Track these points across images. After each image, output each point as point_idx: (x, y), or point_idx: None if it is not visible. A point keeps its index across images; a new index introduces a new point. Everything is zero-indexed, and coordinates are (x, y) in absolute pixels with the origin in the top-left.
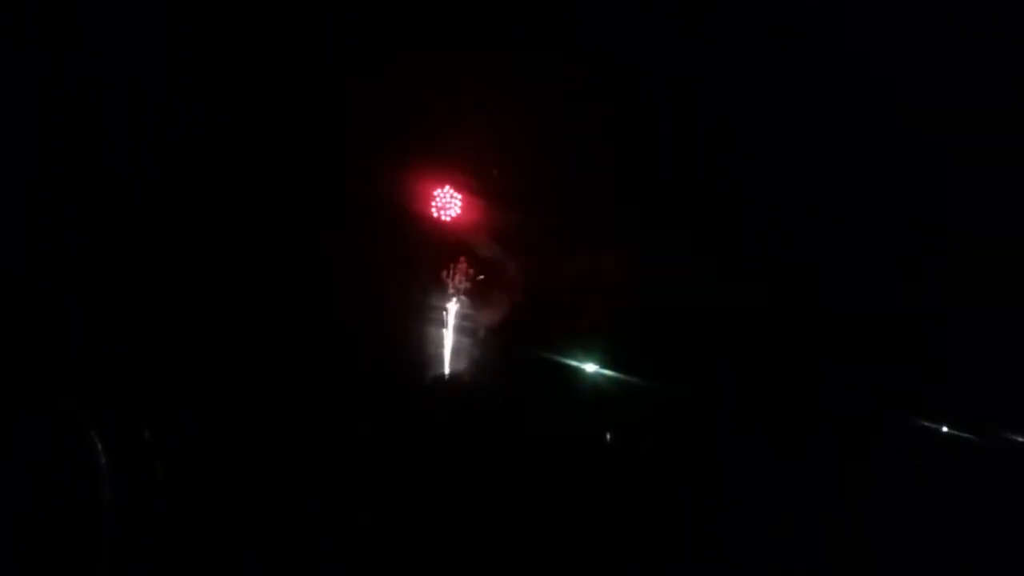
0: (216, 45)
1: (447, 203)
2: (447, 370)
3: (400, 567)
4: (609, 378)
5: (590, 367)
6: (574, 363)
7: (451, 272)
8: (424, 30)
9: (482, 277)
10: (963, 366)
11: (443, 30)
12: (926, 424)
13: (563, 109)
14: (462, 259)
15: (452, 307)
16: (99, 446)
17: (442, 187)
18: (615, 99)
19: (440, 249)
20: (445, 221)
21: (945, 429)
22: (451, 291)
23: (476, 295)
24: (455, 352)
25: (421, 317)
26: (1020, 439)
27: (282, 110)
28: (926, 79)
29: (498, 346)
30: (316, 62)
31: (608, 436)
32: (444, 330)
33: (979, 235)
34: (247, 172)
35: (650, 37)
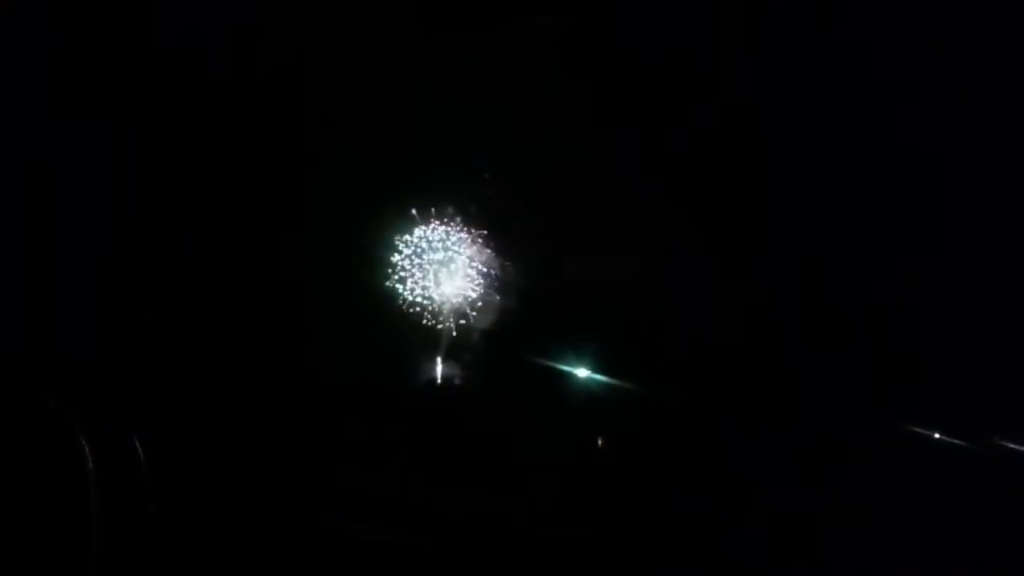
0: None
1: (442, 207)
2: (439, 374)
3: (391, 569)
4: (601, 383)
5: (582, 372)
6: (566, 368)
7: (445, 276)
8: (417, 26)
9: (476, 281)
10: (955, 372)
11: (439, 26)
12: (918, 430)
13: (561, 110)
14: (456, 263)
15: (445, 310)
16: (87, 448)
17: (437, 191)
18: (614, 101)
19: (435, 252)
20: (441, 224)
21: (937, 436)
22: (444, 294)
23: (469, 299)
24: (447, 355)
25: (414, 321)
26: (1012, 445)
27: (277, 117)
28: (925, 79)
29: (490, 350)
30: (312, 66)
31: (599, 441)
32: (437, 334)
33: (976, 241)
34: (239, 176)
35: (651, 38)
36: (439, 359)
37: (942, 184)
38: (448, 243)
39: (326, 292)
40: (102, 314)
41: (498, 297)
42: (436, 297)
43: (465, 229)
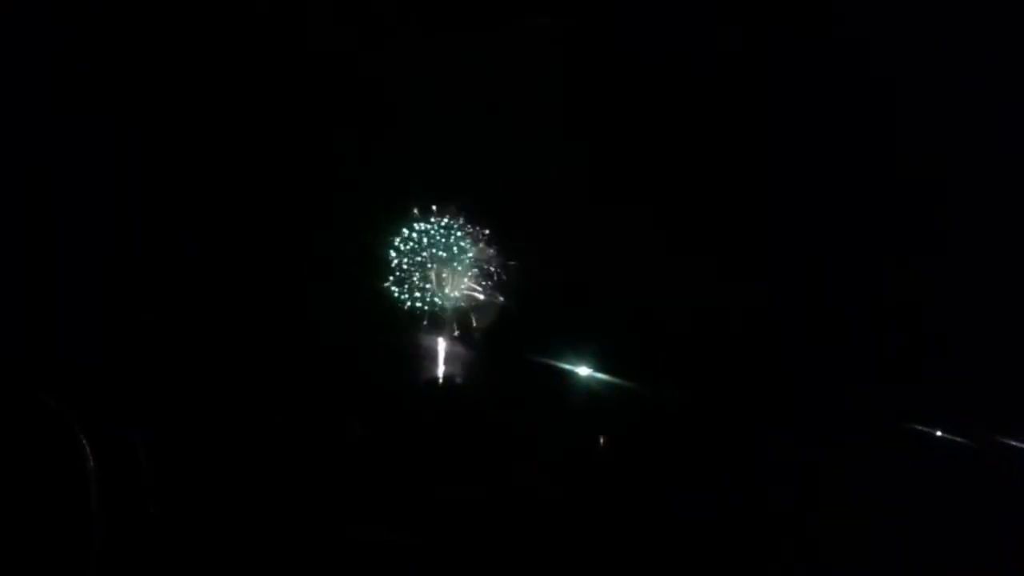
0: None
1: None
2: (440, 373)
3: (391, 569)
4: (602, 382)
5: (583, 370)
6: (567, 366)
7: (446, 275)
8: (417, 26)
9: (477, 280)
10: (956, 371)
11: (439, 26)
12: (919, 428)
13: (561, 110)
14: (457, 262)
15: (447, 310)
16: (87, 448)
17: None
18: (614, 101)
19: (436, 249)
20: (442, 224)
21: (939, 433)
22: (446, 294)
23: (470, 298)
24: (449, 355)
25: (415, 320)
26: (1013, 443)
27: (277, 117)
28: (925, 79)
29: (491, 349)
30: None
31: (600, 440)
32: (438, 333)
33: (974, 239)
34: (236, 176)
35: (651, 38)
36: (439, 359)
37: (942, 184)
38: (449, 241)
39: (327, 291)
40: (102, 314)
41: (500, 297)
42: (438, 296)
43: (465, 228)
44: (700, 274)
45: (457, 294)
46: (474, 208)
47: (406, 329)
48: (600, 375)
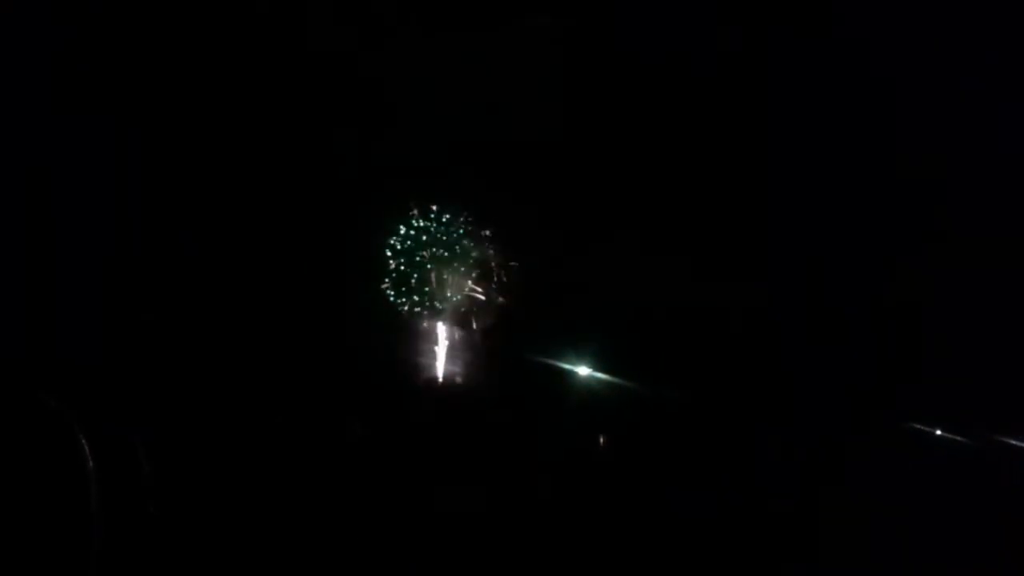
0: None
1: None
2: (440, 373)
3: (391, 569)
4: (601, 381)
5: (583, 370)
6: (567, 366)
7: (446, 275)
8: (417, 26)
9: (476, 280)
10: (956, 370)
11: (439, 26)
12: (919, 427)
13: (561, 111)
14: (457, 262)
15: (446, 310)
16: (87, 448)
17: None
18: (614, 101)
19: (435, 248)
20: (442, 223)
21: (939, 432)
22: (446, 293)
23: (470, 298)
24: (448, 355)
25: (415, 320)
26: (1013, 442)
27: (278, 117)
28: (925, 79)
29: (491, 349)
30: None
31: (601, 440)
32: (437, 333)
33: (973, 238)
34: (235, 176)
35: (651, 38)
36: (439, 359)
37: (942, 183)
38: (449, 241)
39: (327, 291)
40: (102, 314)
41: (499, 297)
42: (437, 296)
43: (465, 228)
44: (700, 274)
45: (458, 297)
46: (474, 208)
47: (406, 329)
48: (600, 375)
